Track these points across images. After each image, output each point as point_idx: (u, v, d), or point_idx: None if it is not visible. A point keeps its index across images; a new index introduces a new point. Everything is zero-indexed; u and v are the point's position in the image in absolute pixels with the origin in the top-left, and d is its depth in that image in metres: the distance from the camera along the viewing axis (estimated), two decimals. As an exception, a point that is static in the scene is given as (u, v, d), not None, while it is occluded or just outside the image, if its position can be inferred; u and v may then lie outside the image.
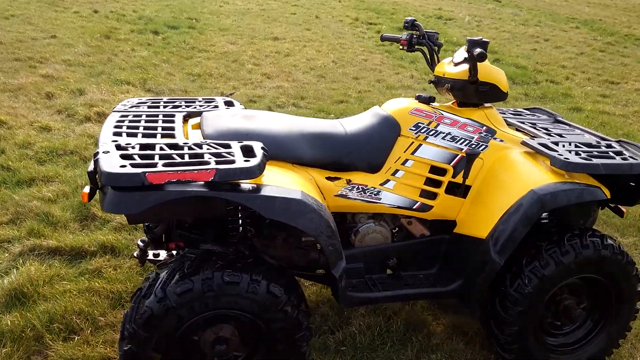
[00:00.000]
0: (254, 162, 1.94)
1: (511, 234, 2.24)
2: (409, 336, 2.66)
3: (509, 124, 2.86)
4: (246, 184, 1.98)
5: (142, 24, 9.41)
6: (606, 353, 2.55)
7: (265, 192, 1.97)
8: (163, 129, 2.32)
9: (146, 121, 2.39)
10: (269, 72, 7.26)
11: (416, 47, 2.76)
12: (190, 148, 2.05)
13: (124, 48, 7.73)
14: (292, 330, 2.08)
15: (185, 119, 2.53)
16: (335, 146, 2.38)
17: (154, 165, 1.87)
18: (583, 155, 2.32)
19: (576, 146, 2.44)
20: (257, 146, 2.09)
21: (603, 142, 2.52)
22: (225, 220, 2.32)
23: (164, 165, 1.88)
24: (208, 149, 2.06)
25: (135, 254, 2.51)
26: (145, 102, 2.72)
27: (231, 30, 9.84)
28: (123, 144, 2.03)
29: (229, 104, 2.79)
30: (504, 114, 3.03)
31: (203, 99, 2.84)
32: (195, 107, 2.66)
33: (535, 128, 2.75)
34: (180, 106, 2.68)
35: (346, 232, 2.54)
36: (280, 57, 8.18)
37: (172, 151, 2.01)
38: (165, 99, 2.79)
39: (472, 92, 2.49)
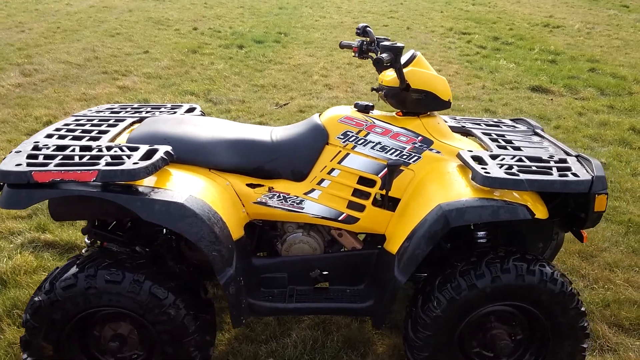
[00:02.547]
0: (141, 164, 2.00)
1: (413, 251, 2.07)
2: (342, 354, 2.53)
3: (469, 135, 2.64)
4: (130, 186, 2.03)
5: (233, 39, 9.94)
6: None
7: (146, 194, 2.01)
8: (98, 132, 2.45)
9: (90, 125, 2.54)
10: (332, 83, 7.30)
11: (368, 54, 2.65)
12: (99, 150, 2.17)
13: (204, 61, 8.22)
14: (177, 334, 2.09)
15: (133, 124, 2.66)
16: (256, 153, 2.36)
17: (46, 165, 2.00)
18: (515, 170, 2.07)
19: (519, 160, 2.19)
20: (162, 150, 2.14)
21: (556, 158, 2.23)
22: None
23: (57, 165, 2.01)
24: (115, 151, 2.16)
25: (83, 251, 2.67)
26: (113, 108, 2.89)
27: (315, 43, 10.03)
28: (40, 145, 2.21)
29: (191, 110, 2.88)
30: (478, 123, 2.79)
31: (172, 105, 2.96)
32: (153, 113, 2.78)
33: (496, 140, 2.51)
34: (142, 112, 2.82)
35: (274, 241, 2.50)
36: (351, 68, 8.19)
37: (82, 152, 2.13)
38: (136, 105, 2.95)
39: (407, 100, 2.35)
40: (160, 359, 2.17)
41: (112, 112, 2.81)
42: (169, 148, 2.18)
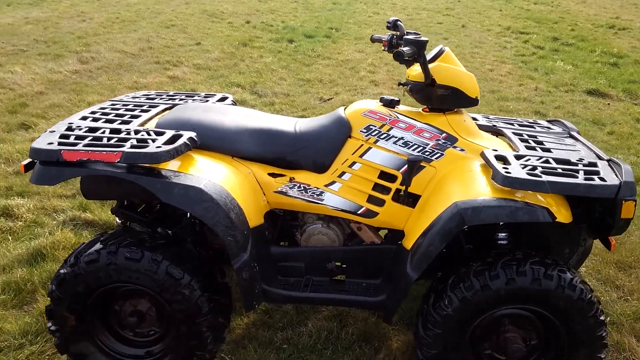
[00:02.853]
0: (163, 148, 2.07)
1: (427, 248, 2.05)
2: (355, 346, 2.53)
3: (499, 134, 2.58)
4: (153, 169, 2.10)
5: (284, 33, 10.04)
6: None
7: (167, 178, 2.08)
8: (130, 116, 2.53)
9: (124, 109, 2.64)
10: (379, 80, 7.26)
11: (397, 48, 2.62)
12: (127, 133, 2.25)
13: (253, 54, 8.34)
14: (191, 314, 2.15)
15: (164, 110, 2.74)
16: (280, 143, 2.38)
17: (75, 145, 2.10)
18: (538, 171, 2.01)
19: (545, 162, 2.12)
20: (185, 136, 2.21)
21: (585, 161, 2.15)
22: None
23: (85, 145, 2.10)
24: (142, 135, 2.24)
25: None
26: (149, 95, 2.99)
27: (366, 39, 9.98)
28: (74, 126, 2.31)
29: (223, 99, 2.94)
30: (511, 123, 2.72)
31: (205, 94, 3.04)
32: (185, 101, 2.86)
33: (526, 141, 2.44)
34: (175, 99, 2.90)
35: (294, 231, 2.52)
36: (400, 65, 8.10)
37: (111, 135, 2.22)
38: (171, 93, 3.04)
39: (433, 96, 2.32)
40: (175, 337, 2.23)
41: (147, 98, 2.90)
42: (193, 134, 2.24)
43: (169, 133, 2.24)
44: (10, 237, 3.32)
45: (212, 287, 2.21)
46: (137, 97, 2.93)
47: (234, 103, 2.93)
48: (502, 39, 10.25)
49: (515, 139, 2.45)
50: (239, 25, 10.57)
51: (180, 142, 2.15)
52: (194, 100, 2.89)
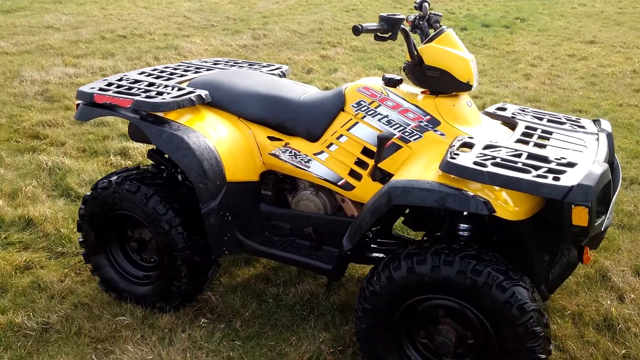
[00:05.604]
0: (165, 99, 2.40)
1: (360, 222, 2.07)
2: (329, 314, 2.59)
3: (511, 124, 2.38)
4: (157, 117, 2.44)
5: (460, 20, 9.75)
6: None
7: (162, 125, 2.40)
8: (180, 75, 2.90)
9: (182, 70, 3.01)
10: (535, 74, 6.70)
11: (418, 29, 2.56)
12: (157, 87, 2.62)
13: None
14: (169, 247, 2.45)
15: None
16: (280, 109, 2.54)
17: (107, 90, 2.55)
18: (493, 162, 1.85)
19: (516, 155, 1.92)
20: (194, 93, 2.51)
21: (567, 161, 1.89)
22: None
23: (113, 92, 2.54)
24: (165, 89, 2.59)
25: None
26: (218, 61, 3.34)
27: (550, 31, 9.19)
28: (124, 77, 2.77)
29: (283, 75, 3.15)
30: (540, 118, 2.47)
31: (267, 64, 3.30)
32: (241, 67, 3.15)
33: (530, 135, 2.22)
34: (235, 66, 3.21)
35: (287, 194, 2.67)
36: (572, 60, 7.35)
37: (143, 87, 2.63)
38: (240, 61, 3.36)
39: (423, 77, 2.25)
40: (164, 264, 2.56)
41: (214, 63, 3.27)
42: (204, 92, 2.52)
43: (186, 90, 2.55)
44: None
45: (194, 228, 2.48)
46: (207, 62, 3.31)
47: (283, 74, 3.13)
48: None
49: (519, 131, 2.24)
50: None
51: (184, 97, 2.45)
52: (252, 67, 3.16)
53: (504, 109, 2.57)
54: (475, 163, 1.84)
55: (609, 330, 2.49)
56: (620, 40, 8.47)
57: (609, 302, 2.65)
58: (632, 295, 2.69)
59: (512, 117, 2.45)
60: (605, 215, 1.88)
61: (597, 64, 7.15)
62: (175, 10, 10.14)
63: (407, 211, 2.53)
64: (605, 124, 2.36)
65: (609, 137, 2.26)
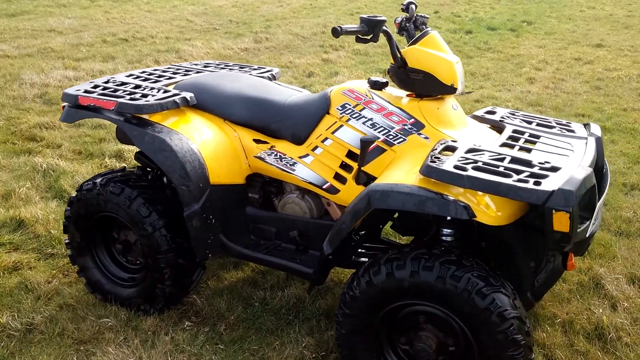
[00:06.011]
0: (148, 102, 2.38)
1: (340, 225, 2.04)
2: (314, 319, 2.55)
3: (500, 128, 2.34)
4: (140, 119, 2.42)
5: (466, 23, 9.70)
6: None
7: (146, 127, 2.39)
8: (168, 77, 2.89)
9: (171, 72, 3.01)
10: (538, 77, 6.63)
11: (405, 31, 2.53)
12: (143, 89, 2.61)
13: (419, 44, 8.26)
14: (152, 249, 2.43)
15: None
16: (265, 112, 2.52)
17: (92, 93, 2.54)
18: (473, 166, 1.81)
19: (498, 160, 1.88)
20: (179, 95, 2.48)
21: (550, 165, 1.84)
22: None
23: (98, 94, 2.53)
24: (151, 91, 2.57)
25: None
26: (208, 64, 3.32)
27: (556, 34, 9.11)
28: (110, 79, 2.76)
29: (272, 78, 3.13)
30: (529, 121, 2.43)
31: (258, 67, 3.28)
32: (231, 69, 3.13)
33: (516, 139, 2.17)
34: (225, 68, 3.19)
35: (274, 197, 2.63)
36: (578, 63, 7.27)
37: (128, 89, 2.61)
38: (230, 64, 3.35)
39: (406, 80, 2.23)
40: (149, 266, 2.54)
41: (204, 66, 3.25)
42: (189, 95, 2.50)
43: (172, 92, 2.53)
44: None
45: (178, 231, 2.46)
46: (197, 64, 3.29)
47: (272, 77, 3.10)
48: None
49: (505, 135, 2.20)
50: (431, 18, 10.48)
51: (167, 99, 2.43)
52: (243, 70, 3.14)
53: (493, 113, 2.53)
54: (456, 167, 1.80)
55: (600, 340, 2.43)
56: (628, 44, 8.39)
57: (601, 310, 2.59)
58: (626, 304, 2.63)
59: (501, 120, 2.41)
60: (590, 221, 1.83)
61: (603, 67, 7.07)
62: (179, 13, 10.17)
63: (395, 215, 2.50)
64: (595, 128, 2.32)
65: (598, 141, 2.22)
